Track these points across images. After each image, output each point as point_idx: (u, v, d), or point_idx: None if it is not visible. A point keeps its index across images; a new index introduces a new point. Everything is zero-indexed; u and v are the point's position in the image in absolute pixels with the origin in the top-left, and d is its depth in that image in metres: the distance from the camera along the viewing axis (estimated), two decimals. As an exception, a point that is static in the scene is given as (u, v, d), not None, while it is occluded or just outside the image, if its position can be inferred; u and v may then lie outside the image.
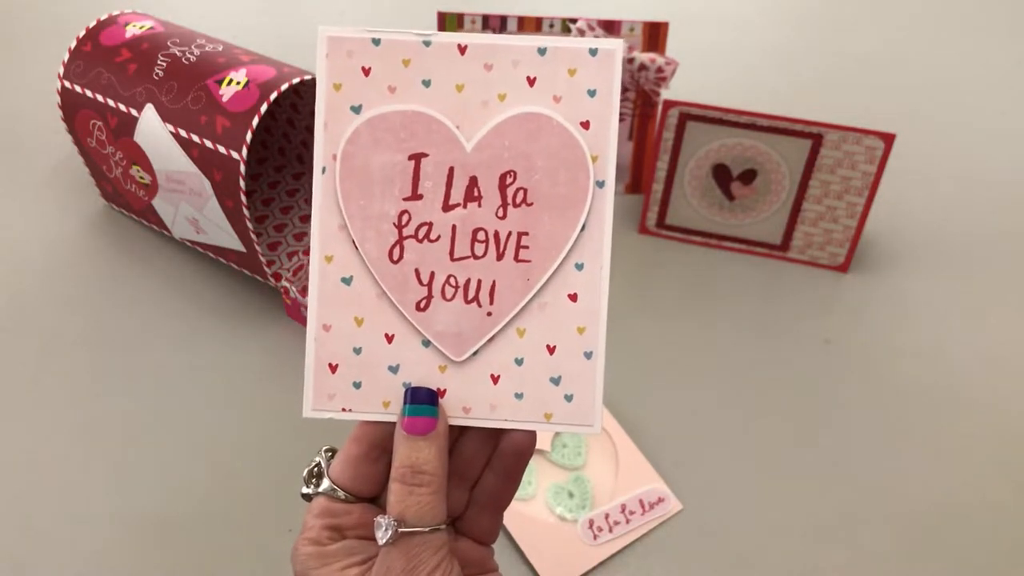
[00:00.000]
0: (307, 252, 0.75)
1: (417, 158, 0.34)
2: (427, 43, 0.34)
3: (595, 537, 0.58)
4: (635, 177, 0.84)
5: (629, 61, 0.76)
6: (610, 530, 0.58)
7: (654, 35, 0.75)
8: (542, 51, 0.34)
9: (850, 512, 0.60)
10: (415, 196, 0.34)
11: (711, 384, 0.68)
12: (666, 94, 0.78)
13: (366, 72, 0.34)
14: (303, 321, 0.70)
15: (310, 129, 0.79)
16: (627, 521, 0.59)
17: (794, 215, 0.76)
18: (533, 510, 0.59)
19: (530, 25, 0.75)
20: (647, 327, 0.72)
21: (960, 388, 0.68)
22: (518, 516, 0.59)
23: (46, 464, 0.61)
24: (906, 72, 1.05)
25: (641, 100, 0.79)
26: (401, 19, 1.12)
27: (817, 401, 0.67)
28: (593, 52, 0.34)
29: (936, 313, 0.75)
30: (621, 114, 0.80)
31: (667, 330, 0.72)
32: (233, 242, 0.68)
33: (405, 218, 0.34)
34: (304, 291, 0.70)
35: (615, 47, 0.34)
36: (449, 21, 0.77)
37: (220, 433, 0.63)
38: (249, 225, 0.64)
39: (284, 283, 0.70)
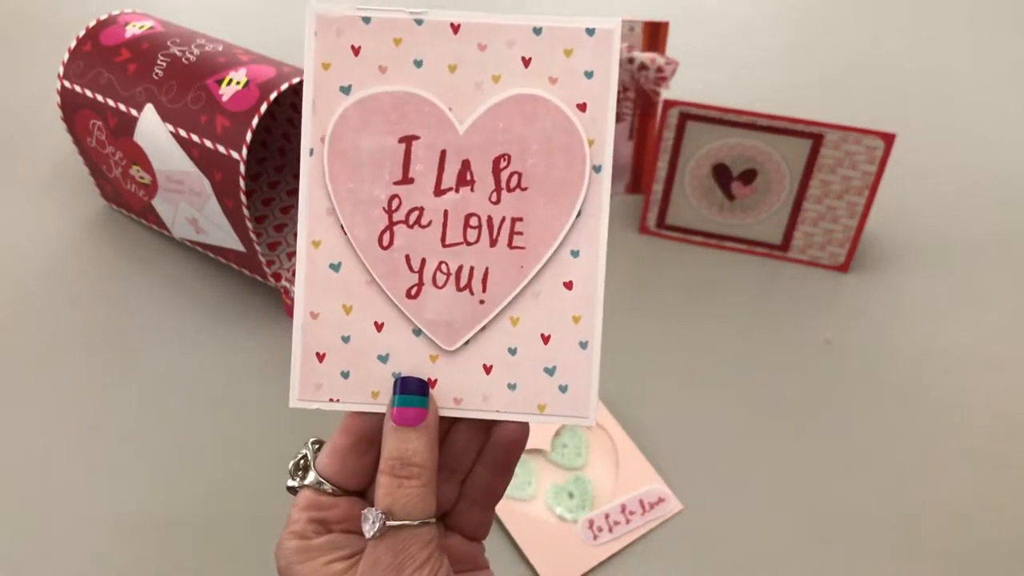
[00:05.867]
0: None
1: (408, 141, 0.33)
2: (419, 21, 0.33)
3: (595, 537, 0.58)
4: (635, 177, 0.84)
5: (629, 61, 0.76)
6: (610, 530, 0.58)
7: (654, 35, 0.75)
8: (537, 31, 0.33)
9: (850, 512, 0.60)
10: (406, 180, 0.33)
11: (711, 384, 0.68)
12: (666, 94, 0.78)
13: (356, 51, 0.33)
14: (303, 321, 0.70)
15: (310, 129, 0.79)
16: (627, 521, 0.59)
17: (794, 215, 0.76)
18: (533, 510, 0.59)
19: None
20: (647, 327, 0.72)
21: (960, 388, 0.68)
22: (518, 516, 0.59)
23: (46, 464, 0.61)
24: (906, 72, 1.05)
25: (641, 100, 0.79)
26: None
27: (817, 401, 0.67)
28: (590, 32, 0.33)
29: (936, 313, 0.75)
30: (621, 114, 0.81)
31: (667, 330, 0.72)
32: (233, 242, 0.68)
33: (395, 203, 0.33)
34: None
35: (613, 26, 0.32)
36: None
37: (220, 433, 0.63)
38: (249, 225, 0.64)
39: (284, 283, 0.70)
